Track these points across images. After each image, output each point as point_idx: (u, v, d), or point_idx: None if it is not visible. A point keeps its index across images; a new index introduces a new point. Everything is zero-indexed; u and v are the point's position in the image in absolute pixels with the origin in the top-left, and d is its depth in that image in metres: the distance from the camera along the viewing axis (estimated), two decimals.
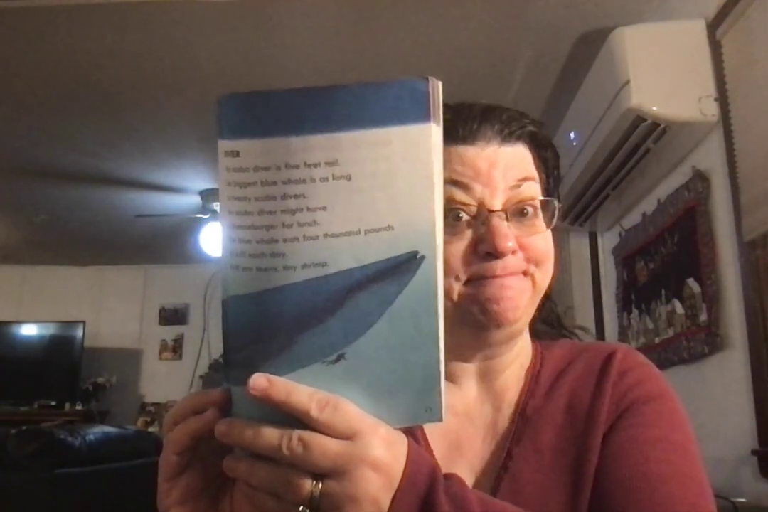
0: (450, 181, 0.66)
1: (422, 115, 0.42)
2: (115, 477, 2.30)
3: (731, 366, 1.87)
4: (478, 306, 0.65)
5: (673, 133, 2.02)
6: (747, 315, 1.78)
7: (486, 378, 0.71)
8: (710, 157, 2.01)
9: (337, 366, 0.45)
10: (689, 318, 2.11)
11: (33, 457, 2.09)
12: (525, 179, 0.68)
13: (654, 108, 1.95)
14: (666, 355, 2.24)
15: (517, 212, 0.67)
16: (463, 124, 0.69)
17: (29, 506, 2.11)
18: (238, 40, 2.51)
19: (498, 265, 0.64)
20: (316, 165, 0.41)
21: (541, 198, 0.69)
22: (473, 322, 0.66)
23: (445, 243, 0.65)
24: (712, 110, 1.93)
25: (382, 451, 0.46)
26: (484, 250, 0.64)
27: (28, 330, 5.92)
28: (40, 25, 2.41)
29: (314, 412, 0.44)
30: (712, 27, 1.94)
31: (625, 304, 2.71)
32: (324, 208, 0.42)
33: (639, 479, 0.61)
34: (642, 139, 2.09)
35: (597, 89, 2.22)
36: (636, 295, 2.59)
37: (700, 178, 2.05)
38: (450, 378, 0.71)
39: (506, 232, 0.64)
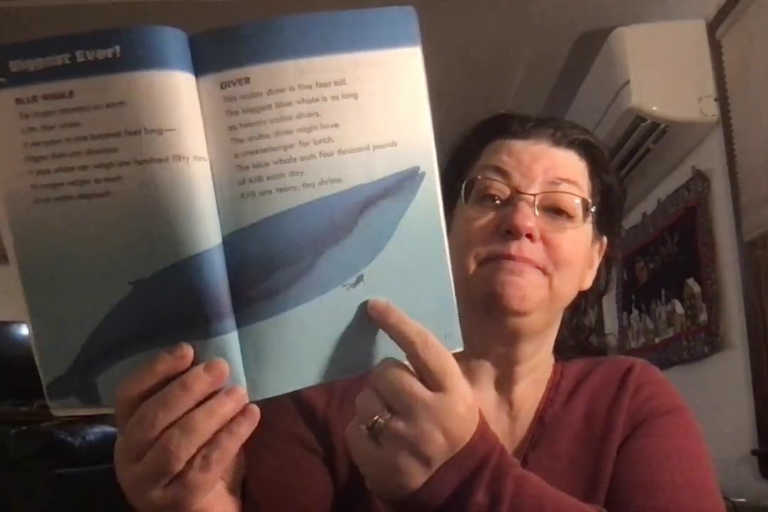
0: (492, 168, 0.69)
1: (412, 39, 0.47)
2: (115, 477, 2.29)
3: (731, 366, 1.87)
4: (486, 288, 0.65)
5: (673, 133, 2.02)
6: (747, 315, 1.78)
7: (502, 386, 0.71)
8: (710, 157, 2.01)
9: (357, 290, 0.46)
10: (689, 318, 2.11)
11: (33, 457, 2.09)
12: (567, 181, 0.68)
13: (654, 108, 1.95)
14: (666, 355, 2.24)
15: (550, 208, 0.68)
16: (519, 123, 0.72)
17: (29, 506, 2.11)
18: None
19: (514, 245, 0.65)
20: (326, 84, 0.44)
21: (578, 197, 0.68)
22: (482, 306, 0.66)
23: (472, 221, 0.68)
24: (712, 110, 1.92)
25: (457, 422, 0.46)
26: (504, 228, 0.65)
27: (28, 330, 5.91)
28: (40, 25, 2.41)
29: (419, 347, 0.45)
30: (712, 27, 1.94)
31: (625, 304, 2.71)
32: (336, 125, 0.44)
33: (651, 487, 0.61)
34: (642, 139, 2.09)
35: (597, 89, 2.22)
36: (636, 295, 2.59)
37: (700, 178, 2.05)
38: (468, 375, 0.71)
39: (528, 213, 0.65)
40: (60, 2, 2.26)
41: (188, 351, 0.42)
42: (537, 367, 0.72)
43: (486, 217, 0.67)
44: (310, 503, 0.62)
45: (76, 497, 2.14)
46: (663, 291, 2.32)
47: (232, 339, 0.44)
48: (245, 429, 0.44)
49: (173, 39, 0.41)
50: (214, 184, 0.42)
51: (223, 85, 0.42)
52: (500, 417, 0.71)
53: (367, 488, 0.49)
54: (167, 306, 0.43)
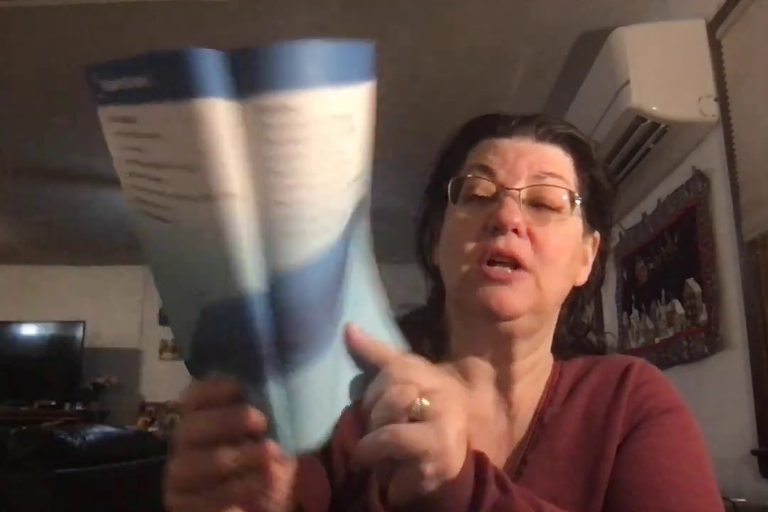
0: (478, 166, 0.69)
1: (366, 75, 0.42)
2: (114, 477, 2.29)
3: (731, 366, 1.87)
4: (474, 299, 0.66)
5: (673, 133, 2.02)
6: (747, 315, 1.78)
7: (501, 385, 0.71)
8: (710, 157, 2.01)
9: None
10: (689, 318, 2.11)
11: (33, 457, 2.09)
12: (552, 175, 0.69)
13: (654, 108, 1.95)
14: (666, 355, 2.24)
15: (536, 202, 0.68)
16: (503, 122, 0.72)
17: (29, 506, 2.11)
18: (238, 39, 2.51)
19: (501, 240, 0.65)
20: (345, 117, 0.40)
21: (563, 189, 0.68)
22: (473, 312, 0.67)
23: (460, 220, 0.69)
24: (712, 110, 1.93)
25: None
26: (491, 225, 0.66)
27: (28, 330, 5.91)
28: (40, 25, 2.41)
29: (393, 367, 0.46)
30: (712, 27, 1.94)
31: (625, 304, 2.71)
32: (349, 162, 0.41)
33: (650, 487, 0.61)
34: (642, 139, 2.09)
35: (597, 89, 2.22)
36: (636, 295, 2.59)
37: (700, 178, 2.05)
38: (465, 375, 0.71)
39: (513, 208, 0.66)
40: (60, 2, 2.26)
41: (231, 388, 0.43)
42: (536, 365, 0.72)
43: (473, 215, 0.68)
44: (310, 505, 0.62)
45: (76, 497, 2.14)
46: (663, 291, 2.32)
47: (275, 389, 0.42)
48: (279, 486, 0.44)
49: (211, 62, 0.35)
50: (255, 222, 0.38)
51: (263, 113, 0.37)
52: (499, 417, 0.70)
53: (363, 489, 0.49)
54: (222, 340, 0.42)
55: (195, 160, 0.36)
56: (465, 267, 0.67)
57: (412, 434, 0.44)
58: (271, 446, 0.43)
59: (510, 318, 0.66)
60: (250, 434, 0.43)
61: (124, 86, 0.37)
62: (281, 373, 0.42)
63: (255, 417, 0.42)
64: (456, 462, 0.46)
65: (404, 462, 0.45)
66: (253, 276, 0.39)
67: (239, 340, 0.41)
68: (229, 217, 0.38)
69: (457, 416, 0.46)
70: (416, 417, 0.45)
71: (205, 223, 0.38)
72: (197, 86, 0.35)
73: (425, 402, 0.45)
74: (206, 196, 0.37)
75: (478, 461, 0.49)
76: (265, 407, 0.42)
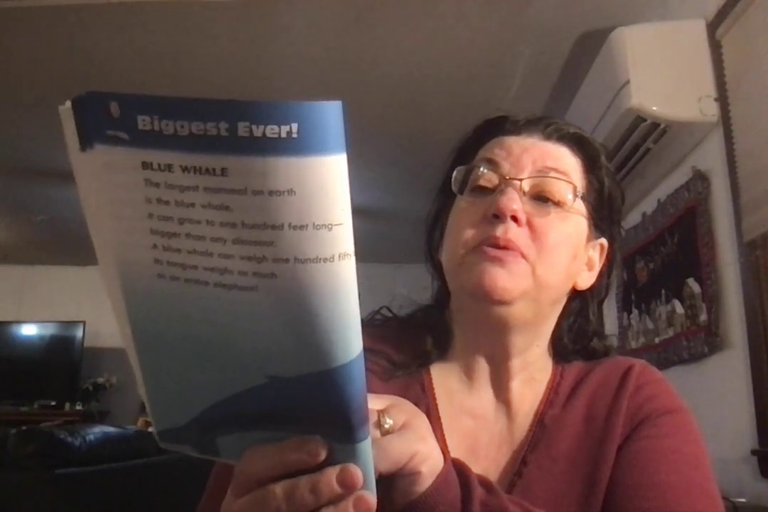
0: (484, 160, 0.71)
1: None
2: (115, 477, 2.29)
3: (731, 366, 1.87)
4: (470, 279, 0.66)
5: (673, 133, 2.03)
6: (747, 315, 1.78)
7: (498, 384, 0.72)
8: (710, 157, 2.01)
9: None
10: (689, 318, 2.11)
11: (33, 457, 2.08)
12: (556, 170, 0.69)
13: (654, 108, 1.95)
14: (666, 355, 2.24)
15: (538, 195, 0.69)
16: (513, 121, 0.74)
17: (29, 506, 2.11)
18: (238, 40, 2.51)
19: (500, 228, 0.66)
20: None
21: (565, 183, 0.69)
22: (469, 295, 0.68)
23: (463, 210, 0.70)
24: (712, 110, 1.93)
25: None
26: (491, 212, 0.67)
27: (28, 330, 5.92)
28: (40, 25, 2.41)
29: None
30: (712, 27, 1.94)
31: (625, 304, 2.71)
32: None
33: (649, 488, 0.61)
34: (642, 139, 2.09)
35: (597, 89, 2.22)
36: (636, 295, 2.59)
37: (700, 178, 2.05)
38: (466, 372, 0.72)
39: (513, 197, 0.67)
40: (60, 2, 2.26)
41: (324, 452, 0.42)
42: (531, 364, 0.72)
43: (474, 205, 0.69)
44: None
45: (76, 497, 2.14)
46: (663, 291, 2.32)
47: (367, 445, 0.42)
48: None
49: (342, 116, 0.33)
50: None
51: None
52: (498, 418, 0.71)
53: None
54: (307, 403, 0.40)
55: (336, 217, 0.33)
56: (461, 252, 0.68)
57: (395, 442, 0.46)
58: (371, 496, 0.43)
59: (502, 299, 0.65)
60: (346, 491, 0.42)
61: (204, 131, 0.32)
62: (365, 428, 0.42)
63: (354, 478, 0.41)
64: (440, 459, 0.48)
65: (399, 471, 0.45)
66: (360, 339, 0.37)
67: (335, 404, 0.39)
68: (353, 277, 0.35)
69: (421, 418, 0.49)
70: (389, 431, 0.47)
71: (327, 288, 0.34)
72: (341, 140, 0.32)
73: (388, 419, 0.47)
74: (341, 256, 0.34)
75: (456, 463, 0.50)
76: (358, 463, 0.42)
